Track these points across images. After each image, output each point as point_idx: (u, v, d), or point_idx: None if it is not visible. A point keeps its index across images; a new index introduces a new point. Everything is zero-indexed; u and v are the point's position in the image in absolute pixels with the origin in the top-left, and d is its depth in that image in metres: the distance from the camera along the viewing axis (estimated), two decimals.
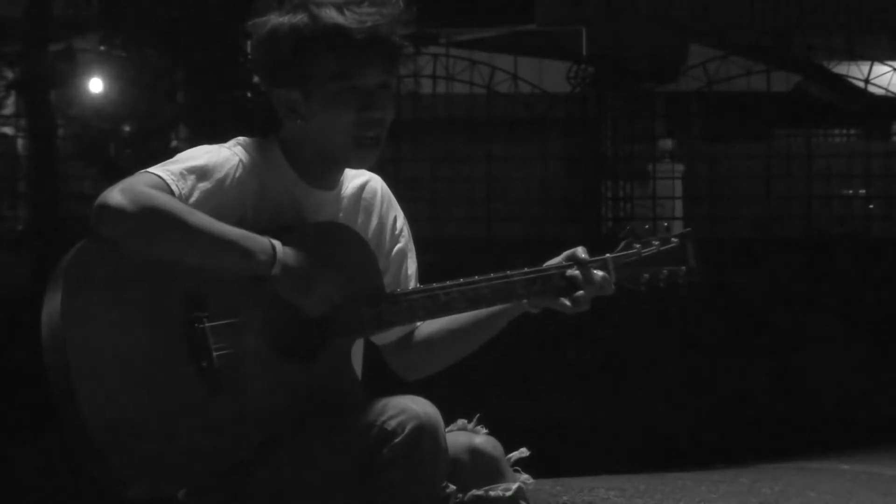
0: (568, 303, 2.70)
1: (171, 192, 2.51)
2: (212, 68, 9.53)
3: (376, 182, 2.82)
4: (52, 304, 2.44)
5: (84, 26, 10.90)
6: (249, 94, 9.79)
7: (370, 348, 2.84)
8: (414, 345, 2.84)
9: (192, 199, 2.53)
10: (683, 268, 2.80)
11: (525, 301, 2.73)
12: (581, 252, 2.73)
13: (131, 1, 9.80)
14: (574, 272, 2.71)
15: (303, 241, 2.61)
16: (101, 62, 10.65)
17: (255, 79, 9.67)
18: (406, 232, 2.85)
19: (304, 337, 2.63)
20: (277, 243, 2.53)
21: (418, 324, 2.82)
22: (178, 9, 9.50)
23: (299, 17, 2.59)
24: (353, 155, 2.66)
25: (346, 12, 2.58)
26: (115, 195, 2.45)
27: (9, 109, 12.11)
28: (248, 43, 2.68)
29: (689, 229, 2.85)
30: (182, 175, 2.54)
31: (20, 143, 12.67)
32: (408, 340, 2.84)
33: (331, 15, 2.58)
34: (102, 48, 10.55)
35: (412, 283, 2.81)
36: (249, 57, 2.76)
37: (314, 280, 2.55)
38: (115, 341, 2.46)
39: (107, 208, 2.45)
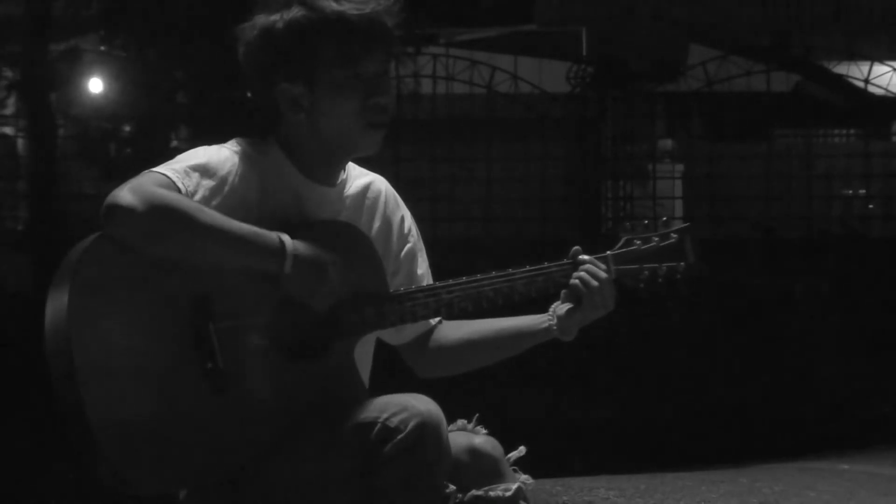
0: (572, 304, 2.71)
1: (178, 190, 2.51)
2: (212, 68, 9.52)
3: (380, 183, 2.82)
4: (58, 304, 2.43)
5: (84, 26, 10.89)
6: (249, 94, 9.79)
7: (380, 352, 2.84)
8: (432, 348, 2.84)
9: (198, 197, 2.54)
10: (682, 263, 2.80)
11: (554, 327, 2.74)
12: (580, 251, 2.74)
13: (131, 1, 9.79)
14: (576, 271, 2.72)
15: (313, 239, 2.61)
16: (101, 62, 10.65)
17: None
18: (414, 231, 2.85)
19: (310, 337, 2.63)
20: (286, 238, 2.53)
21: (433, 323, 2.83)
22: (178, 9, 9.49)
23: (295, 12, 2.60)
24: (361, 140, 2.67)
25: (343, 1, 2.61)
26: (125, 195, 2.45)
27: (9, 109, 12.10)
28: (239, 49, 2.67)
29: (687, 224, 2.85)
30: (186, 173, 2.55)
31: (20, 143, 12.65)
32: (425, 341, 2.84)
33: (329, 5, 2.60)
34: (102, 48, 10.55)
35: (425, 283, 2.80)
36: (241, 61, 2.75)
37: (323, 273, 2.55)
38: (121, 342, 2.45)
39: (117, 208, 2.44)
